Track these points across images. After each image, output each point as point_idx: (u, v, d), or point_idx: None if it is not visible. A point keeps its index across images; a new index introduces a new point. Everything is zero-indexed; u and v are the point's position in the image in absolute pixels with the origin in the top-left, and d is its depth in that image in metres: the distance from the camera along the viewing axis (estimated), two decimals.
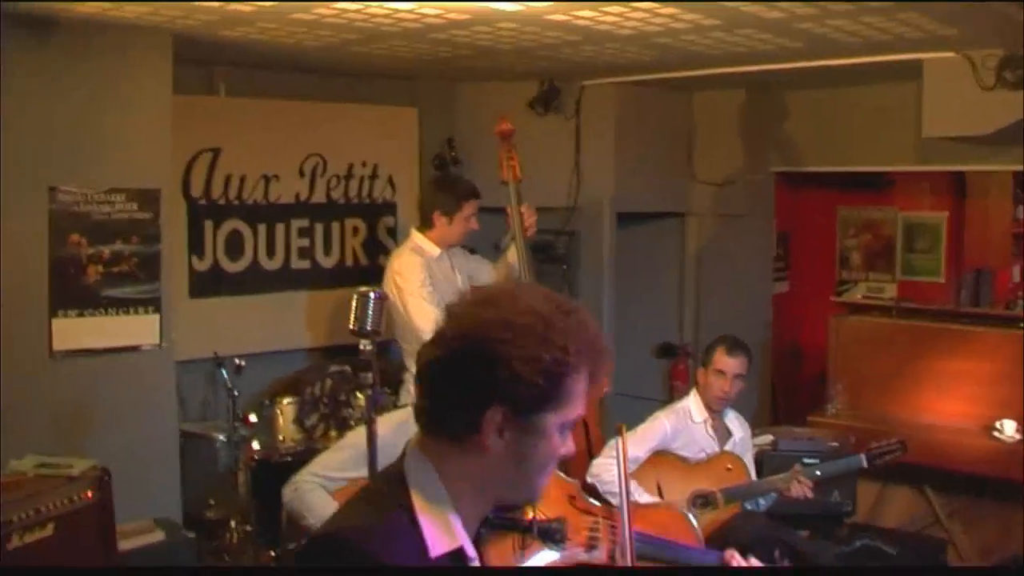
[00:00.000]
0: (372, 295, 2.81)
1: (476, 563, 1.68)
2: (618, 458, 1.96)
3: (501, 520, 1.78)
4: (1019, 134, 5.19)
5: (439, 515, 1.64)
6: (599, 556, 1.92)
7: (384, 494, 1.68)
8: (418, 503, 1.64)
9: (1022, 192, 7.56)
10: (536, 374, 1.58)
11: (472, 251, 5.49)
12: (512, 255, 5.08)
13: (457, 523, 1.65)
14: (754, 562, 1.95)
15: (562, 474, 2.00)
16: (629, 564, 1.88)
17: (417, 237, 5.00)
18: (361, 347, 2.81)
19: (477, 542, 1.74)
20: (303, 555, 1.66)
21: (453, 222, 4.96)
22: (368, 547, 1.56)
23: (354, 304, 2.81)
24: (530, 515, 1.83)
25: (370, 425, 2.85)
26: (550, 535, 1.84)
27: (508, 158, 4.90)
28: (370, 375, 2.80)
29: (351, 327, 2.81)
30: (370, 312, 2.79)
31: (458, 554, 1.65)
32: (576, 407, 1.66)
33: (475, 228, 5.10)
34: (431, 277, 4.86)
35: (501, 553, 1.78)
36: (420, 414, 1.70)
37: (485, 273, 5.24)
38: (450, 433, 1.65)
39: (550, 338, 1.60)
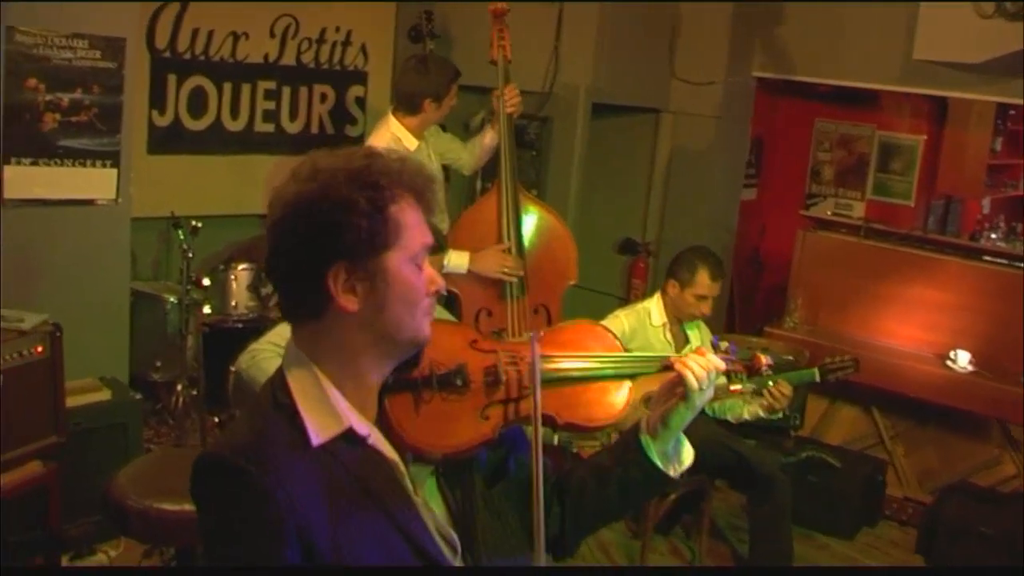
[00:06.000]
0: None
1: (371, 440, 1.67)
2: (533, 360, 1.93)
3: (398, 381, 1.77)
4: (1009, 66, 5.20)
5: (319, 400, 1.65)
6: (501, 392, 1.90)
7: (264, 399, 1.70)
8: (297, 395, 1.64)
9: (1002, 124, 7.61)
10: (357, 216, 1.59)
11: (443, 128, 5.44)
12: (489, 137, 5.04)
13: (340, 403, 1.65)
14: (711, 357, 1.92)
15: (463, 323, 1.98)
16: (536, 391, 1.82)
17: (395, 126, 4.80)
18: None
19: (381, 413, 1.74)
20: (192, 472, 1.64)
21: (441, 106, 4.84)
22: (239, 464, 1.56)
23: None
24: (429, 369, 1.80)
25: None
26: (451, 382, 1.81)
27: (499, 38, 4.81)
28: None
29: None
30: None
31: (348, 436, 1.65)
32: (415, 237, 1.66)
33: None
34: None
35: (405, 416, 1.77)
36: (281, 310, 1.72)
37: (460, 153, 5.21)
38: (308, 312, 1.66)
39: (358, 179, 1.61)
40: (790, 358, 5.56)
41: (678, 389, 1.90)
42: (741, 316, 7.38)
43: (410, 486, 1.72)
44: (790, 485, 4.73)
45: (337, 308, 1.62)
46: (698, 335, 4.82)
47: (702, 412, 4.56)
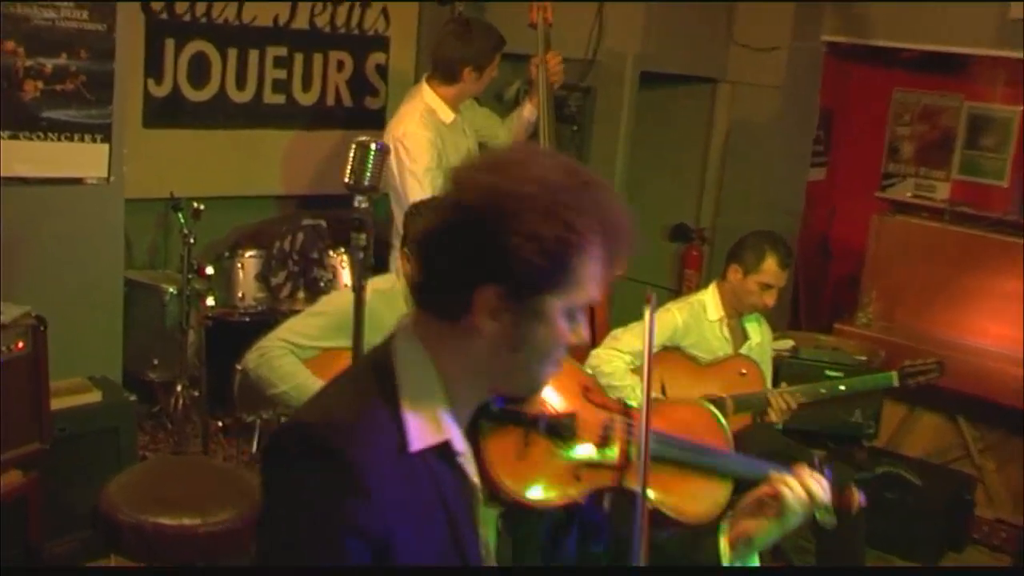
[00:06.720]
0: (373, 146, 2.70)
1: (463, 458, 1.67)
2: (648, 339, 1.91)
3: (505, 412, 1.76)
4: None
5: (426, 404, 1.63)
6: (612, 456, 1.91)
7: (366, 380, 1.67)
8: (404, 390, 1.62)
9: None
10: (536, 252, 1.55)
11: (478, 101, 5.39)
12: (528, 111, 4.99)
13: (445, 414, 1.64)
14: (819, 479, 1.96)
15: (578, 364, 1.99)
16: (643, 466, 1.85)
17: (429, 96, 4.80)
18: (356, 204, 2.72)
19: (475, 434, 1.72)
20: (274, 441, 1.66)
21: (482, 76, 4.82)
22: (341, 446, 1.54)
23: (352, 155, 2.71)
24: (538, 409, 1.82)
25: (359, 292, 2.79)
26: (557, 431, 1.84)
27: None
28: (363, 236, 2.71)
29: (346, 180, 2.72)
30: (369, 165, 2.69)
31: (444, 448, 1.63)
32: (586, 291, 1.63)
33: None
34: (441, 149, 4.71)
35: (502, 450, 1.76)
36: (415, 289, 1.70)
37: (496, 130, 5.15)
38: (442, 312, 1.64)
39: (556, 212, 1.56)
40: (863, 359, 5.50)
41: (771, 505, 1.97)
42: (807, 311, 7.31)
43: (480, 519, 1.74)
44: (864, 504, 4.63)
45: (472, 322, 1.61)
46: (758, 329, 4.77)
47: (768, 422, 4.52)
